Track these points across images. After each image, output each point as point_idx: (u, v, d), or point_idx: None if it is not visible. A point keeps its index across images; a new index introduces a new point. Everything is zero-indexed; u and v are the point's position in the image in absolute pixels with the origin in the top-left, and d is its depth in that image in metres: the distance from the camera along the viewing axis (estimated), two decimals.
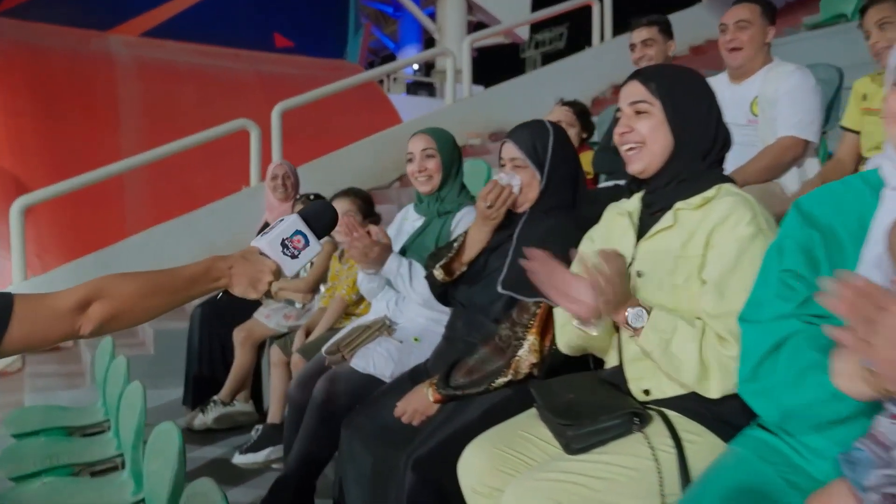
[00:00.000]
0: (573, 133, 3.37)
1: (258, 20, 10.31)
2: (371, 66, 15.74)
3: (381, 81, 13.09)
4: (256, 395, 3.40)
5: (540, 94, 7.18)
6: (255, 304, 3.40)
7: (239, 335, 3.16)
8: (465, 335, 1.87)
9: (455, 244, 1.91)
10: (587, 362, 1.69)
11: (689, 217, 1.42)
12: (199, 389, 3.37)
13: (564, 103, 3.46)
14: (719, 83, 2.60)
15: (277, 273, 1.30)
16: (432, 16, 15.16)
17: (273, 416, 2.83)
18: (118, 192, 7.24)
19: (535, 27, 18.16)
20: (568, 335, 1.57)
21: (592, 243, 1.62)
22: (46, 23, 8.48)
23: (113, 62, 8.52)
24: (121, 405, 2.32)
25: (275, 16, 10.48)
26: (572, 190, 1.89)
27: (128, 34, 9.26)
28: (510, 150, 1.87)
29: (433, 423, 1.71)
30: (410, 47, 17.90)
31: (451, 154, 2.33)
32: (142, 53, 8.86)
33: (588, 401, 1.39)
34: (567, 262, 1.71)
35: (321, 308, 2.90)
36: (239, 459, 2.68)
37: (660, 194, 1.48)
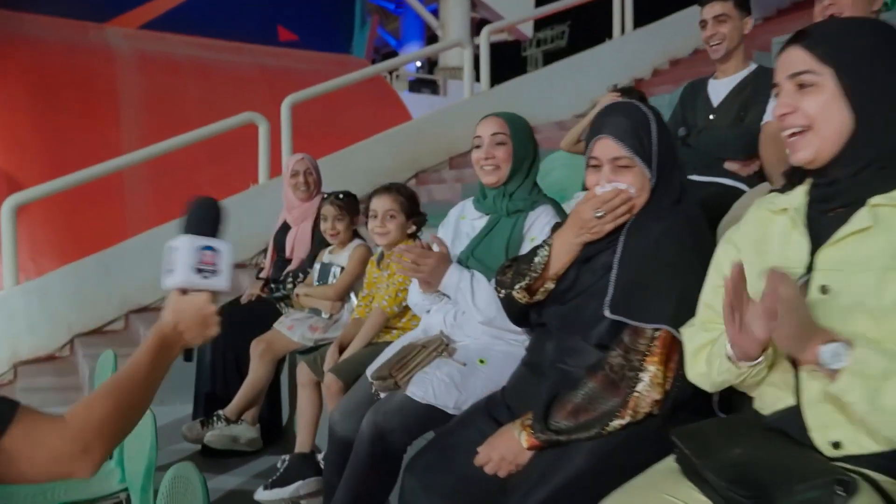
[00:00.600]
0: None
1: (261, 12, 9.96)
2: (373, 63, 15.41)
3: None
4: (270, 417, 3.05)
5: (560, 88, 6.88)
6: (275, 313, 3.05)
7: (257, 347, 2.80)
8: (557, 361, 1.52)
9: (536, 258, 1.55)
10: (707, 395, 1.35)
11: (894, 216, 1.07)
12: (211, 406, 3.01)
13: (618, 90, 3.11)
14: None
15: (214, 298, 1.19)
16: (435, 12, 14.90)
17: (302, 444, 2.48)
18: (118, 190, 6.88)
19: (537, 25, 17.84)
20: (709, 367, 1.22)
21: (736, 250, 1.27)
22: (42, 14, 8.12)
23: (112, 55, 8.17)
24: None
25: (278, 8, 10.13)
26: (679, 184, 1.55)
27: (126, 26, 8.90)
28: (609, 146, 1.49)
29: (529, 475, 1.36)
30: (412, 44, 17.58)
31: (526, 144, 1.99)
32: (142, 46, 8.50)
33: (765, 459, 1.05)
34: (679, 271, 1.37)
35: (355, 319, 2.55)
36: (264, 496, 2.32)
37: (843, 186, 1.13)
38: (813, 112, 1.14)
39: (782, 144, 2.36)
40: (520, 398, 1.57)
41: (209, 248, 1.18)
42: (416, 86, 17.25)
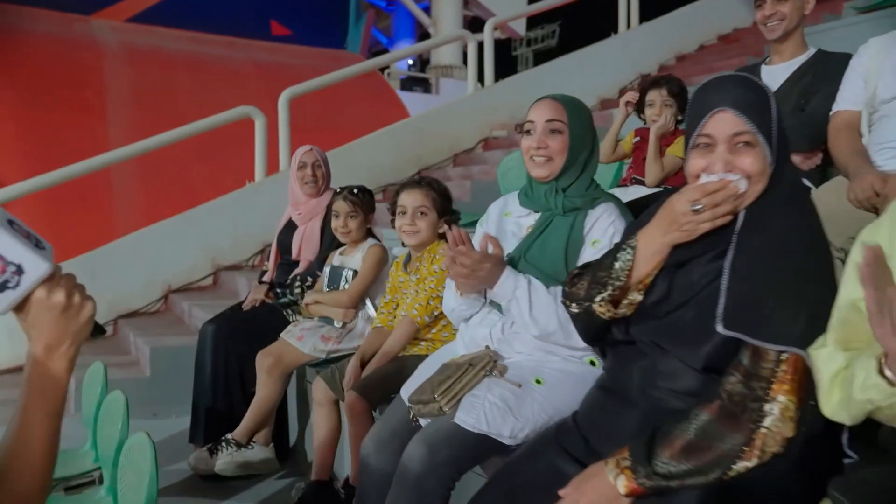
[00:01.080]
0: (670, 115, 2.77)
1: (253, 6, 9.69)
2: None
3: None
4: (276, 434, 2.77)
5: (566, 84, 6.64)
6: (281, 321, 2.77)
7: (264, 361, 2.51)
8: (647, 386, 1.26)
9: (618, 264, 1.28)
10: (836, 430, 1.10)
11: None
12: (211, 425, 2.73)
13: (652, 81, 2.86)
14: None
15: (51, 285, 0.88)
16: (427, 10, 14.71)
17: (319, 471, 2.20)
18: (105, 188, 6.56)
19: (528, 24, 17.71)
20: (847, 388, 0.96)
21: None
22: (24, 5, 7.79)
23: (99, 48, 7.85)
24: (99, 415, 2.17)
25: (271, 2, 9.85)
26: (794, 175, 1.29)
27: (113, 19, 8.59)
28: (728, 121, 1.22)
29: None
30: (404, 42, 17.35)
31: (584, 134, 1.73)
32: (130, 39, 8.19)
33: None
34: (808, 279, 1.13)
35: (377, 328, 2.28)
36: None
37: None
38: None
39: (855, 134, 2.14)
40: (599, 429, 1.31)
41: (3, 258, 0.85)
42: (408, 84, 17.03)
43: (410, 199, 2.15)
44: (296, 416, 2.79)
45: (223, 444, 2.59)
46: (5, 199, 4.26)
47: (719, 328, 1.14)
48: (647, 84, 2.93)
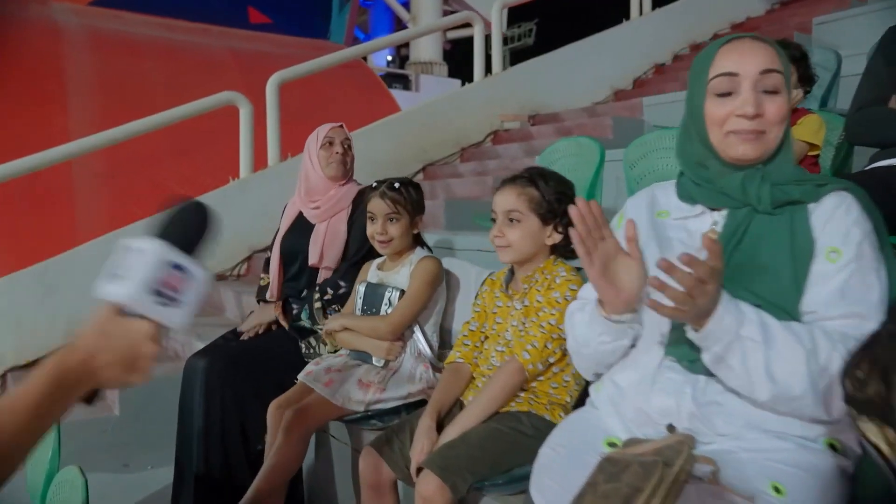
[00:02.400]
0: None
1: None
2: None
3: None
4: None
5: (577, 72, 6.12)
6: (297, 355, 2.12)
7: (280, 415, 1.83)
8: None
9: None
10: None
11: None
12: (202, 489, 2.07)
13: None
14: None
15: (158, 335, 0.83)
16: (406, 5, 14.36)
17: None
18: (65, 186, 5.80)
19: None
20: None
21: None
22: None
23: (58, 32, 7.07)
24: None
25: None
26: None
27: (74, 2, 7.83)
28: None
29: None
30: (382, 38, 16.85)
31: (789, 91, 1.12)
32: (94, 24, 7.42)
33: None
34: None
35: (453, 366, 1.62)
36: None
37: None
38: None
39: None
40: None
41: (180, 267, 0.84)
42: (387, 80, 16.53)
43: (502, 202, 1.55)
44: (313, 474, 2.11)
45: None
46: None
47: None
48: None
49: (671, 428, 1.06)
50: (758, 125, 1.09)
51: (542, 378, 1.47)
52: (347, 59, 6.01)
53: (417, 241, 2.04)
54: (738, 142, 1.11)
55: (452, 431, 1.43)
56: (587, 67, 6.24)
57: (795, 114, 2.19)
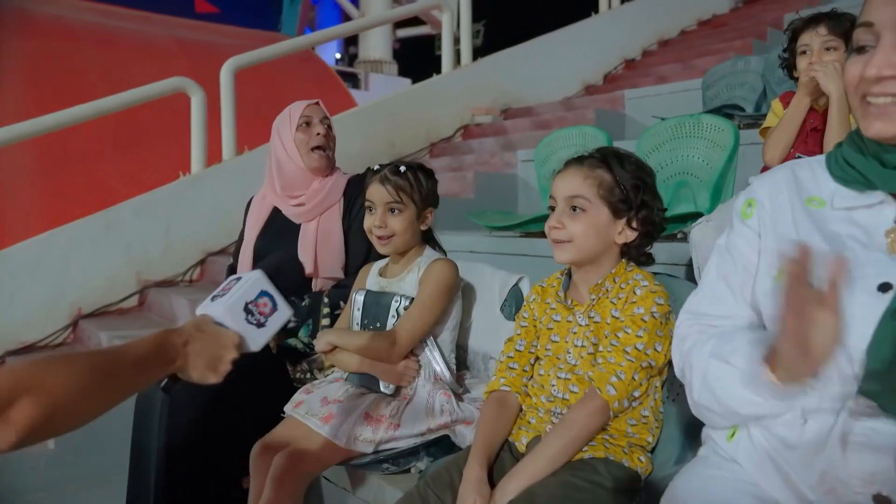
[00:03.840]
0: (834, 60, 1.89)
1: None
2: None
3: None
4: None
5: (548, 64, 5.90)
6: (286, 384, 1.75)
7: (268, 461, 1.45)
8: None
9: None
10: None
11: None
12: None
13: (818, 18, 1.98)
14: None
15: (240, 348, 1.09)
16: (355, 2, 14.23)
17: None
18: None
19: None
20: None
21: None
22: None
23: None
24: None
25: None
26: None
27: None
28: None
29: None
30: (340, 25, 16.59)
31: None
32: (24, 6, 6.81)
33: None
34: None
35: (496, 396, 1.25)
36: None
37: None
38: None
39: None
40: None
41: (271, 297, 1.13)
42: None
43: (563, 188, 1.21)
44: None
45: None
46: None
47: None
48: (798, 25, 2.05)
49: (882, 500, 0.75)
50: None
51: (619, 414, 1.14)
52: (305, 47, 5.65)
53: (428, 240, 1.69)
54: (877, 113, 0.82)
55: (511, 488, 1.08)
56: (558, 61, 6.05)
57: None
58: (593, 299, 1.22)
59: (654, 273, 1.25)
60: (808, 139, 1.92)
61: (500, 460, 1.21)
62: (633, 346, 1.12)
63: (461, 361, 1.71)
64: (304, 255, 1.90)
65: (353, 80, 15.59)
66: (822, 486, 0.79)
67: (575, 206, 1.21)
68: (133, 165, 5.50)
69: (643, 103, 4.70)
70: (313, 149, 1.98)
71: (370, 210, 1.62)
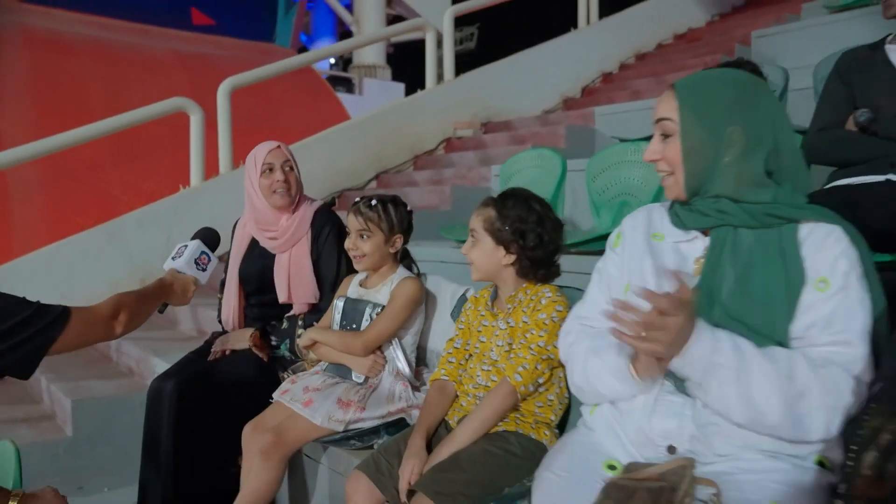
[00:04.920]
0: None
1: None
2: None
3: None
4: None
5: (527, 79, 6.21)
6: (269, 378, 2.08)
7: (257, 439, 1.79)
8: None
9: None
10: None
11: None
12: None
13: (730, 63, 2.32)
14: None
15: (196, 283, 1.92)
16: (349, 7, 14.25)
17: None
18: (1, 197, 5.54)
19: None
20: None
21: None
22: None
23: None
24: None
25: None
26: None
27: None
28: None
29: None
30: (324, 40, 16.69)
31: (715, 129, 1.19)
32: (27, 21, 7.12)
33: None
34: None
35: (438, 384, 1.62)
36: None
37: None
38: None
39: None
40: None
41: (206, 253, 1.96)
42: (331, 83, 16.36)
43: (472, 221, 1.58)
44: (288, 498, 2.08)
45: None
46: None
47: None
48: None
49: (672, 449, 1.09)
50: (662, 170, 1.19)
51: (527, 397, 1.48)
52: (300, 66, 5.91)
53: (401, 260, 2.02)
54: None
55: (442, 453, 1.43)
56: (537, 75, 6.32)
57: None
58: (510, 308, 1.57)
59: (564, 286, 1.59)
60: None
61: (437, 434, 1.55)
62: (536, 344, 1.46)
63: (420, 358, 2.04)
64: (279, 283, 2.20)
65: (347, 84, 15.77)
66: (638, 441, 1.13)
67: (473, 237, 1.58)
68: (134, 176, 5.81)
69: (612, 119, 4.97)
70: (275, 191, 2.24)
71: (348, 234, 1.96)
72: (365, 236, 1.92)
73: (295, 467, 1.99)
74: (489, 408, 1.46)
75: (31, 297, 1.46)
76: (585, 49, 6.75)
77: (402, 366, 1.87)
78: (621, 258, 1.29)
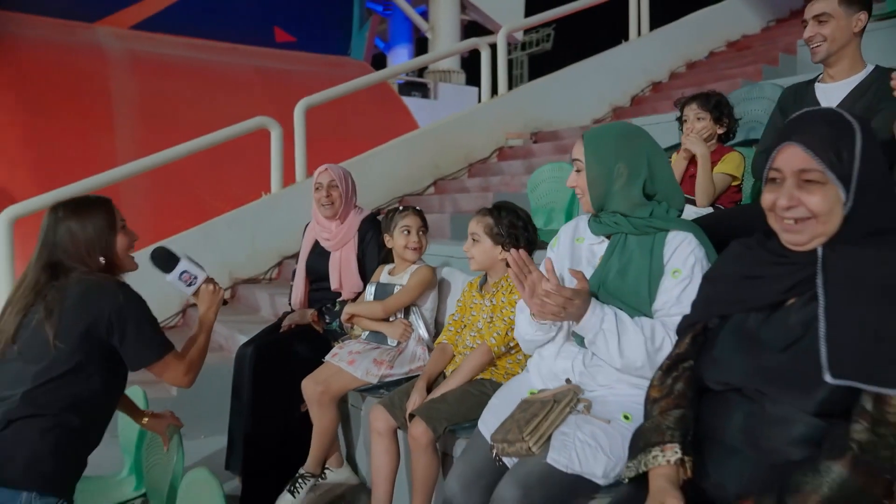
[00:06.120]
0: (701, 128, 2.73)
1: (256, 13, 9.61)
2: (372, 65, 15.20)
3: None
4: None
5: (579, 92, 6.62)
6: (324, 345, 2.71)
7: (312, 390, 2.44)
8: (757, 435, 1.21)
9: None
10: None
11: None
12: (251, 453, 2.63)
13: (689, 99, 2.82)
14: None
15: (208, 282, 2.09)
16: (424, 14, 14.63)
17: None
18: (114, 200, 6.45)
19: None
20: None
21: None
22: (28, 13, 7.69)
23: (104, 56, 7.75)
24: (143, 443, 2.30)
25: (274, 9, 9.78)
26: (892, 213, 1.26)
27: (117, 26, 8.50)
28: (797, 155, 1.23)
29: None
30: (401, 47, 17.27)
31: (605, 159, 1.72)
32: (134, 47, 8.09)
33: None
34: None
35: (440, 346, 2.24)
36: None
37: None
38: None
39: None
40: (708, 476, 1.26)
41: (183, 272, 2.05)
42: (406, 89, 16.96)
43: (471, 226, 2.15)
44: (350, 443, 2.73)
45: (300, 480, 2.49)
46: (23, 214, 4.17)
47: (827, 378, 1.11)
48: (681, 102, 2.91)
49: (568, 382, 1.64)
50: (578, 192, 1.73)
51: (503, 356, 2.06)
52: (373, 84, 6.47)
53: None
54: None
55: (437, 392, 2.03)
56: (588, 86, 6.68)
57: (718, 152, 2.75)
58: (494, 291, 2.14)
59: None
60: (685, 183, 2.75)
61: (436, 382, 2.14)
62: (509, 317, 2.03)
63: (439, 330, 2.64)
64: (333, 274, 2.84)
65: (422, 89, 16.38)
66: (548, 376, 1.68)
67: (474, 238, 2.14)
68: (225, 181, 6.58)
69: (649, 130, 5.40)
70: (322, 204, 2.89)
71: (407, 233, 2.56)
72: (424, 232, 2.60)
73: (341, 410, 2.63)
74: (471, 362, 2.05)
75: (143, 287, 1.90)
76: (636, 60, 7.01)
77: (423, 332, 2.48)
78: (557, 255, 1.83)
